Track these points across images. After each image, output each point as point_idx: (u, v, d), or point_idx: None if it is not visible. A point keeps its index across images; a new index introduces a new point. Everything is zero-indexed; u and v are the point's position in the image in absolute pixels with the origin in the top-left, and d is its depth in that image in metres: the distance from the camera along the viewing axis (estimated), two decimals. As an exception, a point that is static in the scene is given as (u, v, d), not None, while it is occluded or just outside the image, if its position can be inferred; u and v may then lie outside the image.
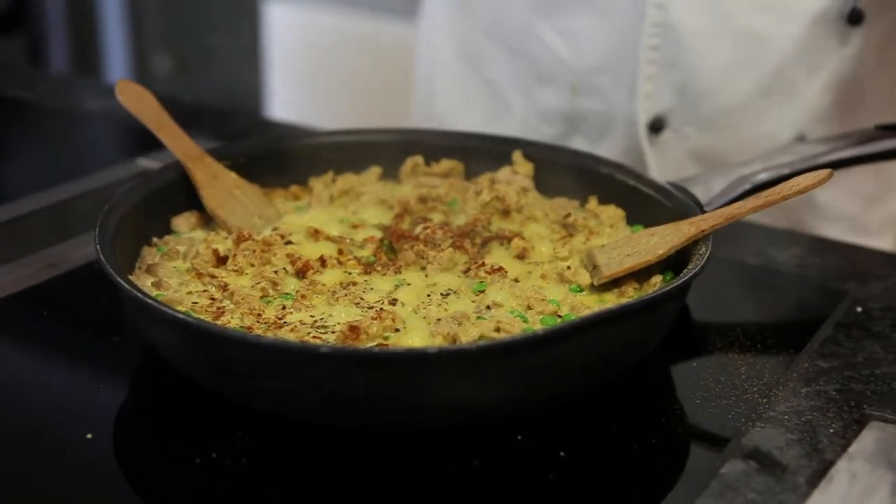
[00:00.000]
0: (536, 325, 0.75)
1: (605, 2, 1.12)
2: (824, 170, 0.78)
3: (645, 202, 0.88)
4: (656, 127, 1.13)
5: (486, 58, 1.23)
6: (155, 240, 0.86)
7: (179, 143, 0.91)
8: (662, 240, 0.80)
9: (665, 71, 1.11)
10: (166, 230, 0.89)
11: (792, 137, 1.12)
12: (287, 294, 0.79)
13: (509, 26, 1.20)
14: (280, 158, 0.97)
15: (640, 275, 0.81)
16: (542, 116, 1.20)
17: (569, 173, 0.94)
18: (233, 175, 0.92)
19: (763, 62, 1.09)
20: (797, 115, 1.11)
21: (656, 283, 0.80)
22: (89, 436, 0.71)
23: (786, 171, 0.90)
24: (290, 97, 2.97)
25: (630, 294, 0.79)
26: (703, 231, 0.79)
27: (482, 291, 0.79)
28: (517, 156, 0.96)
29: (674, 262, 0.82)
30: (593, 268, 0.81)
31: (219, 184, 0.90)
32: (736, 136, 1.12)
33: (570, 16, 1.14)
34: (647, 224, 0.88)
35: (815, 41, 1.08)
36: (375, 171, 0.98)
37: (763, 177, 0.89)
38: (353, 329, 0.72)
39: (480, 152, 0.97)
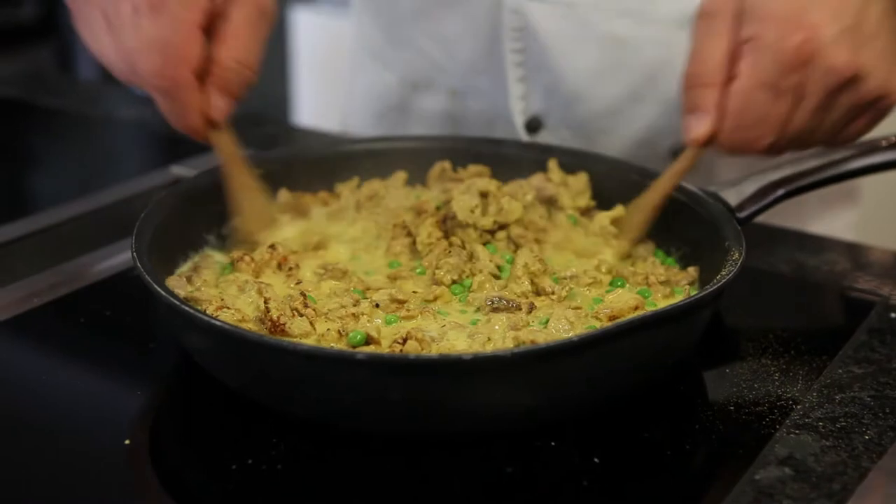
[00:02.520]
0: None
1: (468, 8, 1.11)
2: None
3: (676, 208, 0.88)
4: (534, 127, 1.12)
5: (370, 71, 1.23)
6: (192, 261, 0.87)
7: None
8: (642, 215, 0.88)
9: (533, 74, 1.10)
10: (201, 237, 0.89)
11: (671, 146, 1.08)
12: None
13: (382, 37, 1.19)
14: (311, 166, 0.98)
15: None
16: (420, 119, 1.19)
17: (601, 181, 0.94)
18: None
19: (630, 67, 1.07)
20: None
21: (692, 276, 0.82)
22: (127, 441, 0.71)
23: (817, 176, 0.90)
24: (316, 103, 2.98)
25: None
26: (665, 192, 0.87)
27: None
28: (552, 164, 0.96)
29: (702, 257, 0.83)
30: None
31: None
32: (610, 141, 1.09)
33: (437, 23, 1.14)
34: (677, 231, 0.88)
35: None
36: (401, 176, 0.98)
37: (794, 182, 0.89)
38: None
39: (513, 159, 0.97)
